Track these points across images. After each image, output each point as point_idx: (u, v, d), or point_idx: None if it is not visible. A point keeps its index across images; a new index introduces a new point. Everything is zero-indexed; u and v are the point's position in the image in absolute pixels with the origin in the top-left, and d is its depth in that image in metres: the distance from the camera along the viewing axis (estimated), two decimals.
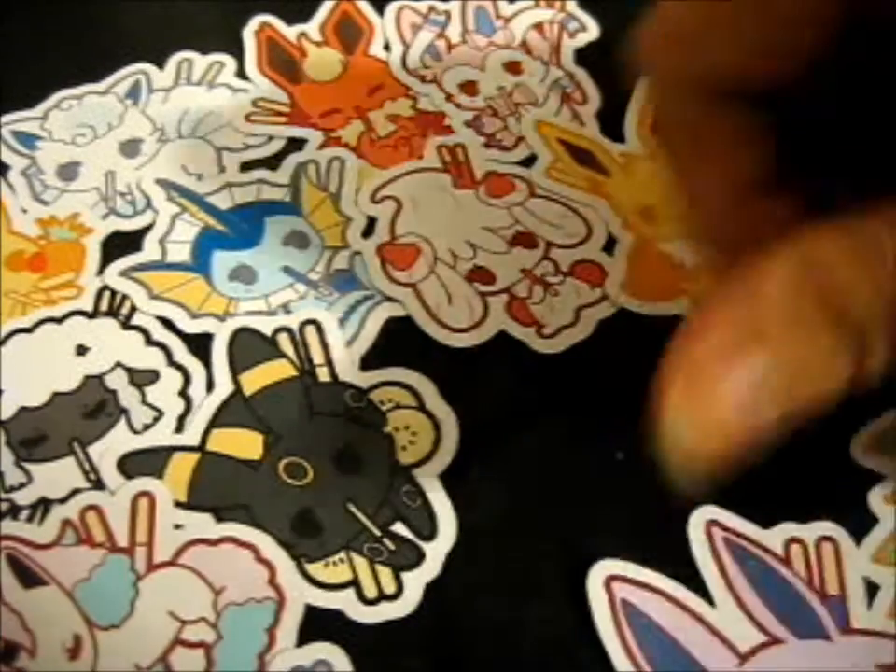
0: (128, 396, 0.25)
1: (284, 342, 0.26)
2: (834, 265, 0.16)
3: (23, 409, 0.25)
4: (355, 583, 0.22)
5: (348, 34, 0.35)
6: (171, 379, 0.26)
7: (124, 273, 0.28)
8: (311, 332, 0.26)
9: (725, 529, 0.22)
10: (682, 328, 0.17)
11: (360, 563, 0.23)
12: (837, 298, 0.16)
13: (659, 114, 0.21)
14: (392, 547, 0.23)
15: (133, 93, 0.33)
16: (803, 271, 0.16)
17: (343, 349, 0.26)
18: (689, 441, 0.16)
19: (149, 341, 0.26)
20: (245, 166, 0.31)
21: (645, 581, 0.21)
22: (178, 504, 0.23)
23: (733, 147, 0.20)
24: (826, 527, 0.22)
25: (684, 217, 0.21)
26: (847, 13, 0.17)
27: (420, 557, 0.23)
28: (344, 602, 0.22)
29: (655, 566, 0.22)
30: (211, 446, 0.24)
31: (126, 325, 0.27)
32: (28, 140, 0.31)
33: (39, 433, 0.25)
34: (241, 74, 0.34)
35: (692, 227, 0.21)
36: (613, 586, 0.20)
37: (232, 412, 0.25)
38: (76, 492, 0.23)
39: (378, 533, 0.23)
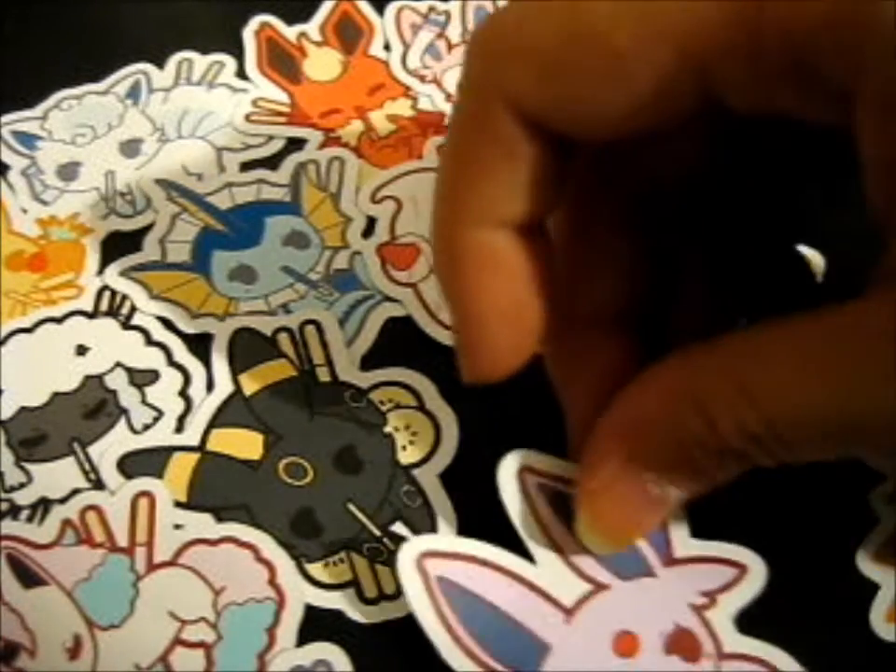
0: (128, 396, 0.25)
1: (284, 342, 0.26)
2: (711, 394, 0.17)
3: (23, 409, 0.25)
4: (355, 583, 0.22)
5: (348, 34, 0.35)
6: (171, 379, 0.26)
7: (124, 273, 0.28)
8: (311, 332, 0.26)
9: (539, 474, 0.21)
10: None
11: (360, 563, 0.23)
12: (714, 432, 0.17)
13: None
14: (392, 547, 0.23)
15: (133, 93, 0.33)
16: (683, 404, 0.18)
17: (343, 349, 0.26)
18: (603, 548, 0.20)
19: (149, 341, 0.26)
20: (245, 166, 0.31)
21: (460, 552, 0.20)
22: (178, 504, 0.23)
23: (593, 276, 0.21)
24: None
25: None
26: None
27: None
28: (344, 602, 0.22)
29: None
30: (211, 446, 0.24)
31: (126, 325, 0.27)
32: (28, 140, 0.31)
33: (39, 433, 0.25)
34: (241, 74, 0.34)
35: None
36: (426, 564, 0.20)
37: (232, 412, 0.25)
38: (76, 492, 0.23)
39: (378, 533, 0.23)
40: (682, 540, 0.21)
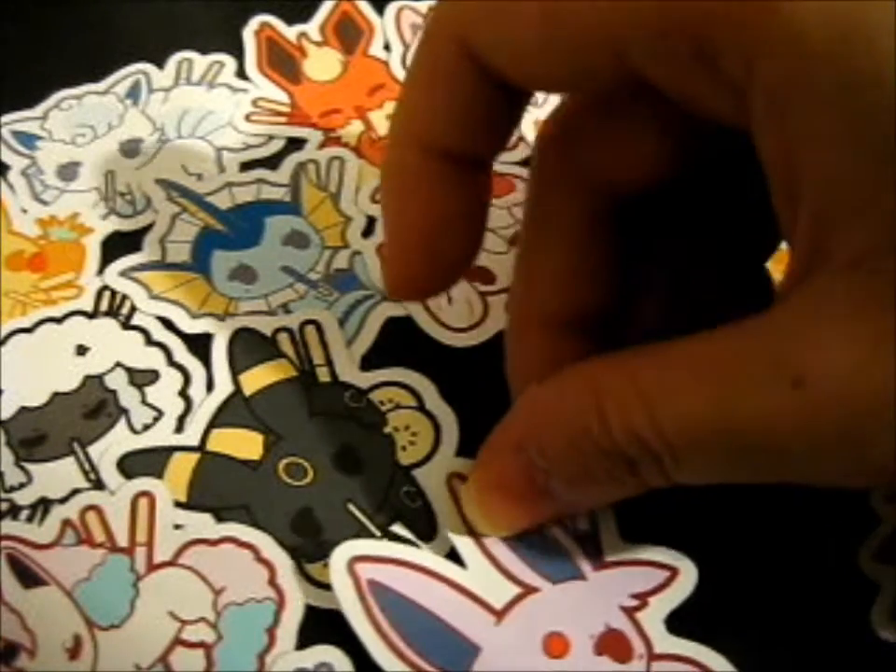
0: (128, 396, 0.25)
1: (284, 342, 0.26)
2: (608, 391, 0.18)
3: (23, 409, 0.25)
4: None
5: (348, 34, 0.35)
6: (171, 379, 0.26)
7: (124, 273, 0.28)
8: (311, 332, 0.26)
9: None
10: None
11: None
12: (605, 430, 0.18)
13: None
14: None
15: (133, 93, 0.33)
16: (581, 397, 0.18)
17: (343, 349, 0.26)
18: (482, 526, 0.21)
19: (149, 341, 0.26)
20: (245, 166, 0.31)
21: (391, 556, 0.21)
22: (178, 504, 0.23)
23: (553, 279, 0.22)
24: None
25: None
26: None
27: None
28: None
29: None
30: (211, 446, 0.24)
31: (126, 325, 0.27)
32: (28, 140, 0.31)
33: (39, 433, 0.25)
34: (241, 74, 0.34)
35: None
36: (357, 568, 0.20)
37: (232, 412, 0.25)
38: (76, 492, 0.23)
39: (378, 533, 0.23)
40: (613, 545, 0.21)
